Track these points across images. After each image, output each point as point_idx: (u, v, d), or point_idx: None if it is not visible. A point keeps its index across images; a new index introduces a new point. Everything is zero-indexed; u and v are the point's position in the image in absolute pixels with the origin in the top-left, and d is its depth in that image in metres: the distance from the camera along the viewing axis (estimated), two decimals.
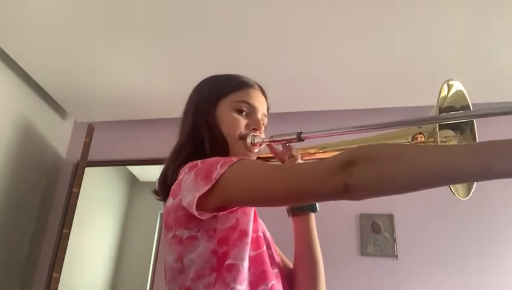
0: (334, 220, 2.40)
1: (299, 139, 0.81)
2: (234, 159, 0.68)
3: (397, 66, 2.33)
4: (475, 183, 0.71)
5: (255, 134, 0.84)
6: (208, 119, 0.84)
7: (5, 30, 2.25)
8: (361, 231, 2.42)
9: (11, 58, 2.50)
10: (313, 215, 0.86)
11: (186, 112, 0.90)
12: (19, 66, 2.57)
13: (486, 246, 2.27)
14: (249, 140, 0.82)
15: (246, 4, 1.96)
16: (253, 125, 0.85)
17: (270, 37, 2.18)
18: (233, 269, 0.66)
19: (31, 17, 2.13)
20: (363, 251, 2.38)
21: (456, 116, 0.65)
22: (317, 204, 0.86)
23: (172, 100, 2.77)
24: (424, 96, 2.33)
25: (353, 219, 2.48)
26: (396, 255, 2.34)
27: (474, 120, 0.74)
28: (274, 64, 2.37)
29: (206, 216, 0.68)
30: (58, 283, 2.36)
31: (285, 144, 0.86)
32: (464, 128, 0.73)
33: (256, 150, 0.84)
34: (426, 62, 2.27)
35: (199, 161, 0.72)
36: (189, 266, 0.68)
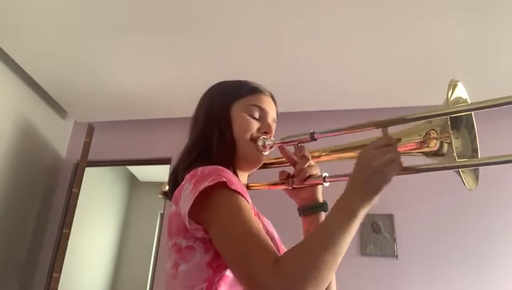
0: None
1: (312, 138, 0.81)
2: (224, 179, 0.66)
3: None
4: (480, 171, 0.72)
5: (266, 137, 0.85)
6: (221, 120, 0.84)
7: (4, 30, 2.25)
8: (361, 231, 2.42)
9: (11, 58, 2.50)
10: (323, 214, 0.85)
11: (197, 115, 0.90)
12: (19, 66, 2.57)
13: (487, 247, 2.27)
14: (260, 143, 0.84)
15: (248, 3, 1.95)
16: (265, 129, 0.86)
17: (271, 37, 2.17)
18: (228, 280, 0.67)
19: (31, 16, 2.13)
20: (363, 251, 2.38)
21: (462, 110, 0.67)
22: (328, 204, 0.85)
23: (172, 100, 2.79)
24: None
25: None
26: (397, 255, 2.34)
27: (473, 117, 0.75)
28: (278, 64, 2.36)
29: (200, 233, 0.68)
30: (58, 283, 2.36)
31: (298, 144, 0.85)
32: (461, 126, 0.74)
33: (266, 153, 0.85)
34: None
35: (199, 169, 0.71)
36: (182, 274, 0.69)
